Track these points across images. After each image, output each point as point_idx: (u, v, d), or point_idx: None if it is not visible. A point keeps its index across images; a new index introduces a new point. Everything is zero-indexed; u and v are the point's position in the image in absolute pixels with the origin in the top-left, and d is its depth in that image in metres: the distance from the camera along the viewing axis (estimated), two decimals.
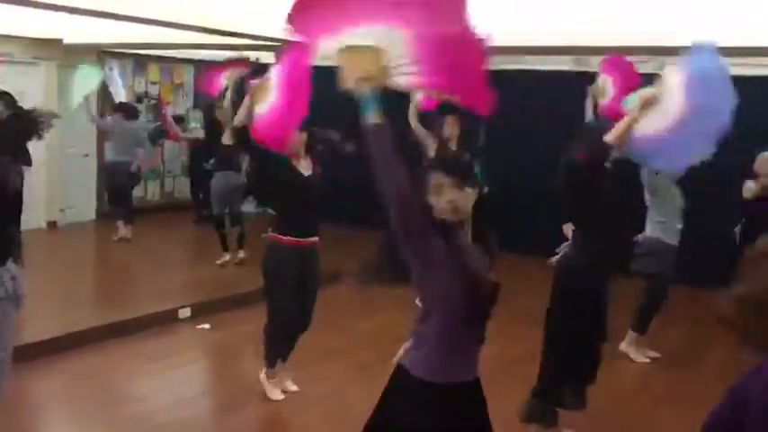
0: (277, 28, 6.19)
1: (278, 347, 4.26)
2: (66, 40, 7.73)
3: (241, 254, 7.31)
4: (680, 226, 5.11)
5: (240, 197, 7.52)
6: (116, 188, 8.22)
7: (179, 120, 9.49)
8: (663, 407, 4.55)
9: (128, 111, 8.06)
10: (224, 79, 6.92)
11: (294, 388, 4.36)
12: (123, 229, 8.10)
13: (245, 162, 7.89)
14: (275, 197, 4.24)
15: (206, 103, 9.68)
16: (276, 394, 4.33)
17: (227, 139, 7.11)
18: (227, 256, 7.35)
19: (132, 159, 8.14)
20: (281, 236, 4.12)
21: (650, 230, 5.11)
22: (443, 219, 2.23)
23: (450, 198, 2.22)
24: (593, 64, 7.95)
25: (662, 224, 5.07)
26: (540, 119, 6.16)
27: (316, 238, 4.23)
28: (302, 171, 4.14)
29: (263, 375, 4.36)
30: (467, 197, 2.24)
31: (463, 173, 2.25)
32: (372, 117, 2.02)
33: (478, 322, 2.27)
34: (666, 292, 5.17)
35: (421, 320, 2.28)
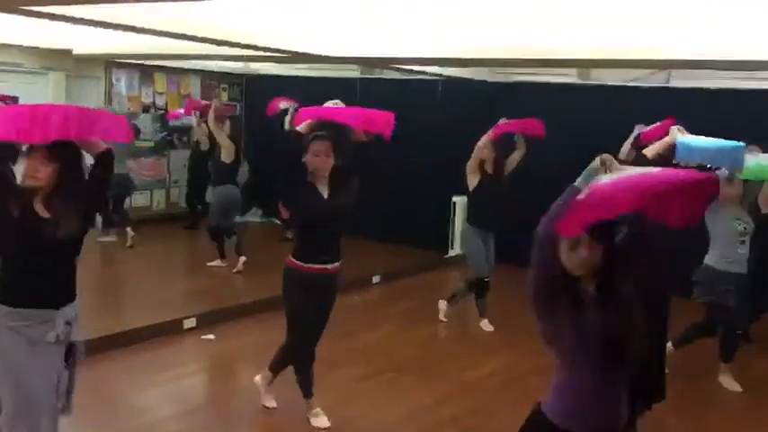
0: (282, 39, 6.22)
1: (309, 375, 4.13)
2: (76, 51, 7.78)
3: (243, 259, 7.41)
4: (742, 251, 4.94)
5: (238, 210, 7.62)
6: (118, 198, 8.34)
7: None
8: (670, 416, 4.53)
9: None
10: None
11: (326, 424, 4.15)
12: (123, 235, 8.31)
13: (244, 176, 8.25)
14: (294, 220, 4.04)
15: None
16: (271, 402, 4.33)
17: (225, 156, 7.36)
18: (221, 263, 7.52)
19: (126, 171, 8.37)
20: (300, 263, 3.94)
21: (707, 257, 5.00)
22: (571, 273, 2.23)
23: (585, 254, 2.20)
24: (596, 77, 8.05)
25: (713, 250, 4.95)
26: (550, 130, 6.19)
27: (336, 265, 4.01)
28: (323, 194, 3.94)
29: (258, 378, 4.35)
30: (599, 252, 2.22)
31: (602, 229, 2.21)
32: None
33: (615, 372, 2.28)
34: (718, 321, 5.05)
35: (557, 370, 2.33)
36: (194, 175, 9.42)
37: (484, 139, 5.90)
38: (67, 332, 2.94)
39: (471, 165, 5.96)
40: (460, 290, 6.35)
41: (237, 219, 7.92)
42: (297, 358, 4.11)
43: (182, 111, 9.24)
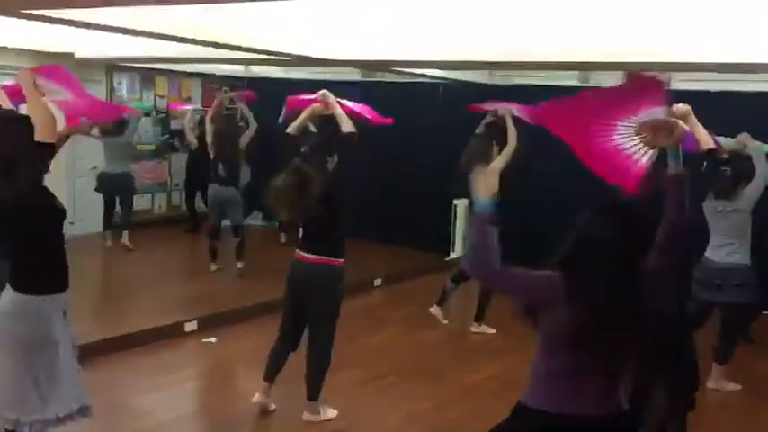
0: (283, 42, 6.22)
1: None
2: (77, 54, 7.79)
3: (240, 265, 7.40)
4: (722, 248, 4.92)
5: (239, 209, 7.57)
6: (124, 199, 8.32)
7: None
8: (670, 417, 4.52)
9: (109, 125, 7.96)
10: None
11: (334, 413, 4.32)
12: (116, 238, 8.29)
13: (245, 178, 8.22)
14: (337, 218, 4.11)
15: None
16: (271, 404, 4.36)
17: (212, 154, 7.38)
18: (212, 266, 7.52)
19: (128, 170, 8.37)
20: (342, 260, 4.12)
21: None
22: None
23: None
24: (596, 79, 8.05)
25: (742, 247, 4.91)
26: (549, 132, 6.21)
27: None
28: None
29: (257, 396, 4.33)
30: None
31: None
32: None
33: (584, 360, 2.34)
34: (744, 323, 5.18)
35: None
36: (191, 177, 9.42)
37: (505, 161, 5.68)
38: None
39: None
40: (449, 288, 6.36)
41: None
42: (331, 354, 4.20)
43: (188, 107, 9.24)
